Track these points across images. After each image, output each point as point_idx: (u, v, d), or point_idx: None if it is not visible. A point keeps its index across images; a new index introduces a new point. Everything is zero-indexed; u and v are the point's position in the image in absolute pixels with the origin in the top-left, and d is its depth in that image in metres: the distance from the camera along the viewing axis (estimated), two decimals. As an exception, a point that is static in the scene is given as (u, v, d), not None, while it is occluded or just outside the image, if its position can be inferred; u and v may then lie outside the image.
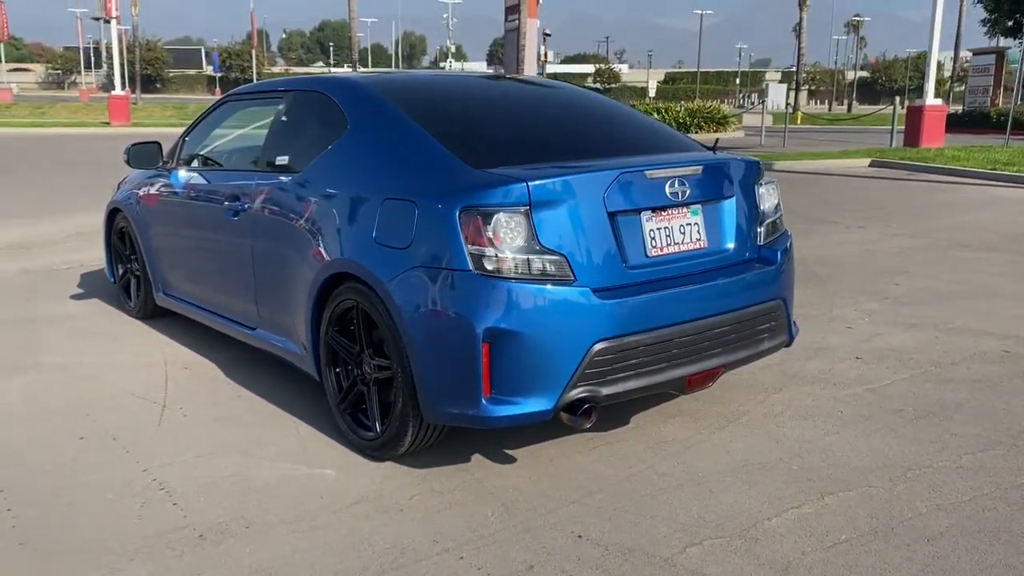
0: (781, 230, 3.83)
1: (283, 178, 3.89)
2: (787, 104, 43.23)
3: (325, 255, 3.47)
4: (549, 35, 44.16)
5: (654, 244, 3.27)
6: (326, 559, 2.68)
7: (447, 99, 3.99)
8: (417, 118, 3.50)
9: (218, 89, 72.09)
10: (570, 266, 3.01)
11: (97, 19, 46.98)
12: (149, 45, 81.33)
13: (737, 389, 4.15)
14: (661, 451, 3.48)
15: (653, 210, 3.28)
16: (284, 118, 4.13)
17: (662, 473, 3.29)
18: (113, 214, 5.63)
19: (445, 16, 72.63)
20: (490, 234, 2.93)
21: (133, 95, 41.05)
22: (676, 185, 3.30)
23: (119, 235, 5.63)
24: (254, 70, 67.10)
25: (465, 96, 4.13)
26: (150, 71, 79.80)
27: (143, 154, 4.87)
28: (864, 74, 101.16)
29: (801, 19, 46.96)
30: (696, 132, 27.12)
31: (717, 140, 4.33)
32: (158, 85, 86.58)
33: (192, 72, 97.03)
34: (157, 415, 3.87)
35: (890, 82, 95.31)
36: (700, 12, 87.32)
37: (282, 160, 4.00)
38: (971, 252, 7.77)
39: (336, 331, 3.50)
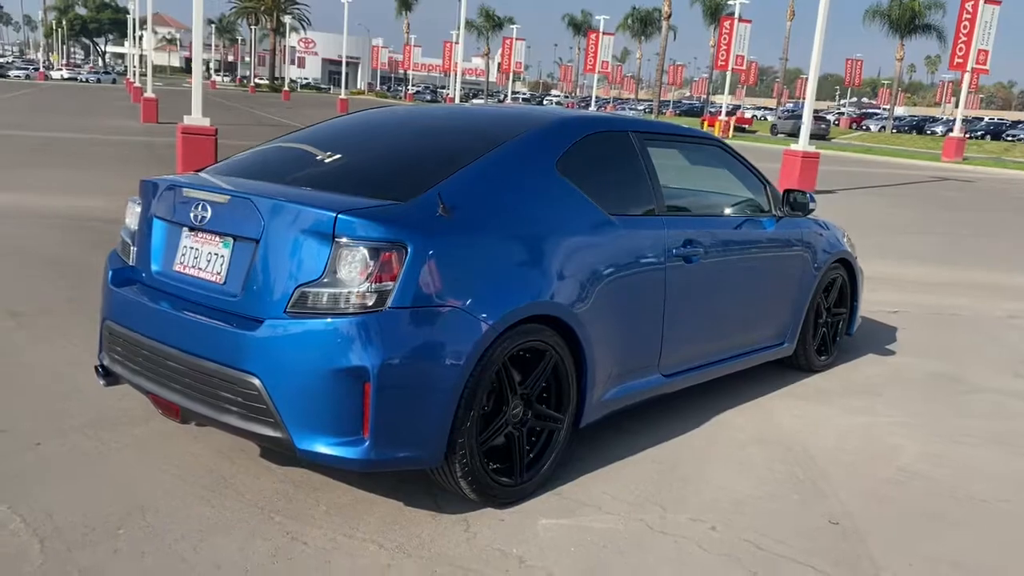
0: (330, 303, 2.97)
1: None
2: None
3: None
4: None
5: (181, 261, 3.43)
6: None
7: (330, 130, 4.32)
8: (285, 142, 4.25)
9: None
10: (130, 254, 3.68)
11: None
12: None
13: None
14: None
15: (191, 229, 3.40)
16: None
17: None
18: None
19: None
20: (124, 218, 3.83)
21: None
22: (199, 209, 3.31)
23: None
24: None
25: (344, 129, 4.32)
26: None
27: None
28: None
29: None
30: None
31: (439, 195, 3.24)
32: None
33: None
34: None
35: None
36: None
37: None
38: None
39: None
